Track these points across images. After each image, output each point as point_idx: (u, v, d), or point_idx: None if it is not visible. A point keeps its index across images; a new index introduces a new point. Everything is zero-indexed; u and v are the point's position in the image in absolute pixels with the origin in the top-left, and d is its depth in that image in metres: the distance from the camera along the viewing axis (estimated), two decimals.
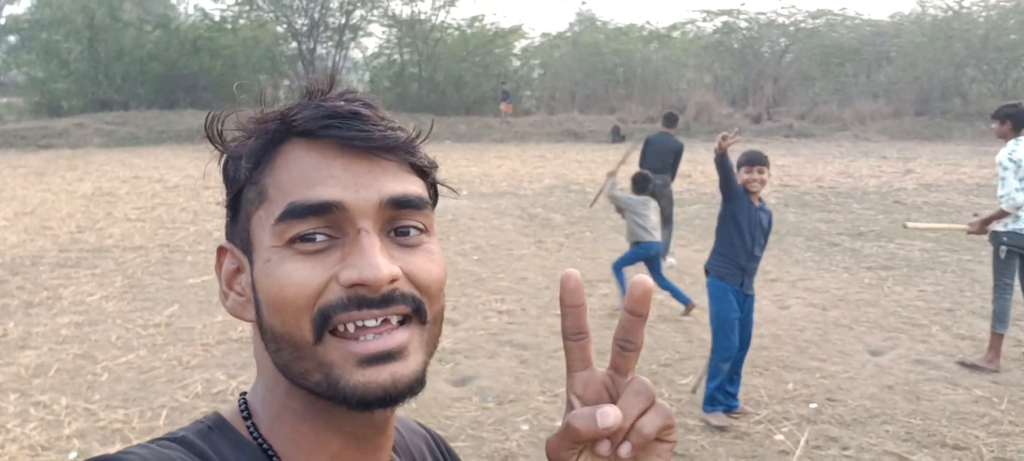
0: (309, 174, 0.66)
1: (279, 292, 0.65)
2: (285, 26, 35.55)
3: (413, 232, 0.70)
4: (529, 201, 14.52)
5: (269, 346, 0.68)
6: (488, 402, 5.13)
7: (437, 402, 5.11)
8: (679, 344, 6.29)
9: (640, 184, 7.97)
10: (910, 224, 6.63)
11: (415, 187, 0.70)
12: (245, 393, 0.75)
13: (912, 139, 31.11)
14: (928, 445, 4.54)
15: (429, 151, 0.75)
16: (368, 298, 0.64)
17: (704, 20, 38.33)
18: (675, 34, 38.64)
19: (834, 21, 37.53)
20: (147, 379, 5.50)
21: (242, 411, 0.73)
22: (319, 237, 0.65)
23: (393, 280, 0.65)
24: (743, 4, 52.58)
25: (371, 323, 0.65)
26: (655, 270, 7.31)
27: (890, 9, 72.42)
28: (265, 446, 0.70)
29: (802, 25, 37.22)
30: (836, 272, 8.95)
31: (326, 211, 0.65)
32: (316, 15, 34.93)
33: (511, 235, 11.16)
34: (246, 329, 6.61)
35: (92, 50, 31.04)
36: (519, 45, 38.86)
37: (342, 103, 0.68)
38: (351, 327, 0.65)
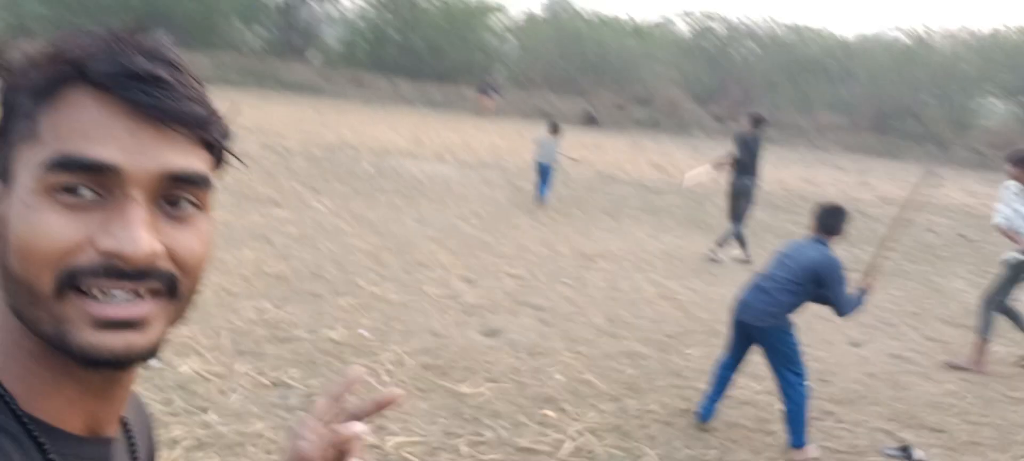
0: (90, 128, 0.63)
1: (29, 240, 0.62)
2: None
3: (185, 205, 0.67)
4: (514, 175, 14.99)
5: (6, 286, 0.65)
6: (520, 353, 5.64)
7: (475, 349, 5.60)
8: (680, 319, 6.87)
9: (551, 128, 12.73)
10: None
11: (199, 164, 0.68)
12: None
13: (867, 154, 32.38)
14: (911, 426, 5.19)
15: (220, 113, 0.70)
16: (122, 270, 0.62)
17: (684, 21, 39.17)
18: (655, 31, 39.39)
19: (806, 35, 38.65)
20: (197, 302, 5.85)
21: None
22: (84, 192, 0.62)
23: (153, 256, 0.63)
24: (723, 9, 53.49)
25: (120, 293, 0.63)
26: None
27: (860, 29, 74.21)
28: None
29: (777, 38, 38.27)
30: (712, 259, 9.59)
31: (99, 171, 0.62)
32: None
33: (504, 206, 11.65)
34: (278, 264, 7.00)
35: None
36: (497, 21, 39.18)
37: (143, 60, 0.64)
38: (97, 291, 0.63)
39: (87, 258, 0.62)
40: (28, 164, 0.63)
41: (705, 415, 4.81)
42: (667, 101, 33.60)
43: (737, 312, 4.82)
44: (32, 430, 0.65)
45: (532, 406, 4.78)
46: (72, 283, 0.62)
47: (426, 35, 35.47)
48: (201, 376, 4.60)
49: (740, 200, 9.77)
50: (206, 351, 4.97)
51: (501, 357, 5.52)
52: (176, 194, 0.66)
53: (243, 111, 20.52)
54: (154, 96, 0.63)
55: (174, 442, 3.87)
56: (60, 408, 0.68)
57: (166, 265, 0.65)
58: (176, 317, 0.69)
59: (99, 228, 0.62)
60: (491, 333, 6.03)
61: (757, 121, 10.04)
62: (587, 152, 20.90)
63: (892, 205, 17.11)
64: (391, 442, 4.12)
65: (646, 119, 32.71)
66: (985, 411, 5.59)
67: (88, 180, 0.62)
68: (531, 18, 40.00)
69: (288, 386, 4.64)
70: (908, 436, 5.02)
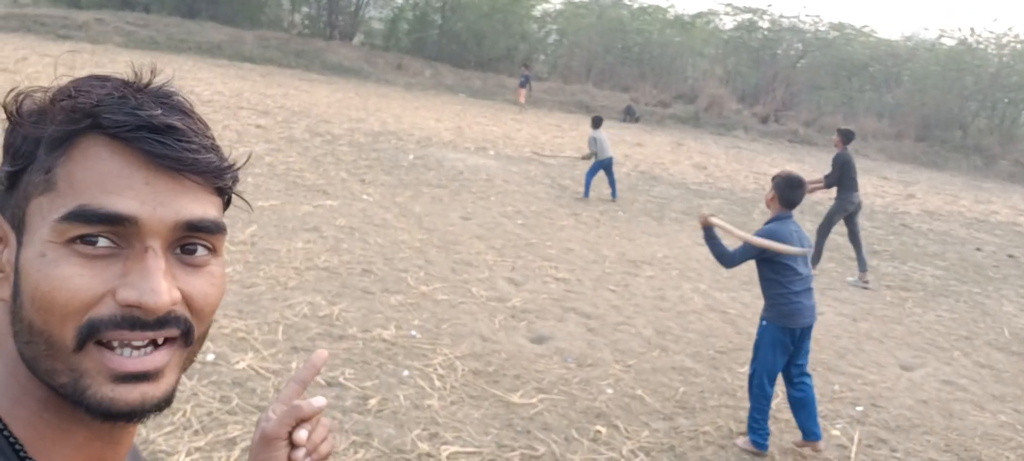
0: (107, 179, 0.63)
1: (49, 293, 0.62)
2: None
3: (201, 251, 0.68)
4: (556, 171, 14.95)
5: (19, 335, 0.64)
6: (569, 363, 5.63)
7: (523, 356, 5.60)
8: (730, 334, 6.80)
9: (597, 123, 12.99)
10: None
11: (214, 210, 0.69)
12: None
13: (910, 163, 31.84)
14: (966, 459, 5.11)
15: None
16: (142, 320, 0.63)
17: (727, 14, 38.73)
18: (698, 22, 39.01)
19: (850, 35, 38.04)
20: (252, 294, 5.92)
21: None
22: (101, 242, 0.63)
23: (172, 305, 0.65)
24: (770, 5, 52.84)
25: (137, 343, 0.64)
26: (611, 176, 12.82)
27: (906, 31, 72.72)
28: (5, 430, 0.65)
29: (821, 34, 37.72)
30: (858, 287, 9.51)
31: (118, 223, 0.63)
32: None
33: (547, 204, 11.61)
34: (329, 258, 7.04)
35: None
36: (539, 9, 39.01)
37: (158, 111, 0.65)
38: (116, 343, 0.64)
39: (107, 310, 0.63)
40: (45, 215, 0.63)
41: (767, 443, 4.71)
42: (710, 99, 33.28)
43: (807, 319, 4.70)
44: None
45: (583, 420, 4.77)
46: (92, 335, 0.63)
47: (468, 20, 35.44)
48: (257, 373, 4.65)
49: (854, 218, 9.94)
50: (262, 347, 5.01)
51: (550, 366, 5.51)
52: (191, 241, 0.67)
53: (290, 93, 20.71)
54: (170, 146, 0.64)
55: (232, 442, 3.91)
56: (68, 455, 0.68)
57: (183, 312, 0.66)
58: (188, 363, 0.71)
59: (118, 279, 0.63)
60: (539, 340, 6.02)
61: (848, 137, 10.05)
62: (628, 149, 20.82)
63: (937, 219, 16.84)
64: (445, 452, 4.12)
65: (688, 116, 32.46)
66: None
67: (106, 231, 0.63)
68: (573, 6, 39.69)
69: (343, 386, 4.66)
70: None
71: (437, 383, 4.91)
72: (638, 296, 7.56)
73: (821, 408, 5.54)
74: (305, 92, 22.05)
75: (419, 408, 4.56)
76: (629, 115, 30.22)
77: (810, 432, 4.78)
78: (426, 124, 19.19)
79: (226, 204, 0.75)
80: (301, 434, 0.84)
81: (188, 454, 3.70)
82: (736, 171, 19.98)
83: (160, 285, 0.63)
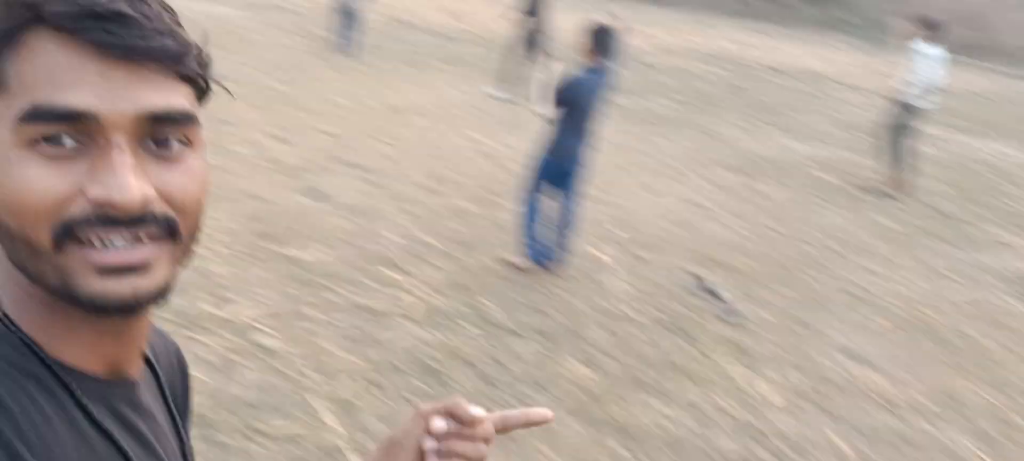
0: (58, 74, 0.60)
1: (19, 196, 0.60)
2: None
3: (175, 145, 0.64)
4: (308, 22, 14.39)
5: (3, 241, 0.64)
6: (351, 215, 5.67)
7: (304, 213, 5.57)
8: (502, 177, 7.12)
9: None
10: None
11: (179, 99, 0.64)
12: None
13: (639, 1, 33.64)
14: (709, 265, 5.84)
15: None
16: (115, 218, 0.60)
17: None
18: None
19: None
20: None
21: None
22: (66, 141, 0.60)
23: (146, 202, 0.61)
24: None
25: (118, 240, 0.62)
26: None
27: None
28: (16, 330, 0.65)
29: None
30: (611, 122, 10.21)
31: (76, 119, 0.59)
32: None
33: (302, 55, 11.31)
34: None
35: None
36: None
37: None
38: (95, 239, 0.61)
39: (80, 208, 0.60)
40: (3, 118, 0.60)
41: (541, 258, 5.17)
42: None
43: (572, 162, 5.20)
44: (59, 373, 0.65)
45: (374, 268, 4.89)
46: (68, 235, 0.60)
47: None
48: None
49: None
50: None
51: (332, 220, 5.54)
52: (162, 134, 0.63)
53: None
54: (119, 35, 0.60)
55: None
56: (79, 352, 0.67)
57: (162, 208, 0.63)
58: (182, 257, 0.67)
59: (87, 177, 0.60)
60: (317, 196, 5.99)
61: None
62: None
63: (674, 55, 18.14)
64: (242, 314, 4.10)
65: None
66: (767, 249, 6.38)
67: (67, 129, 0.59)
68: None
69: None
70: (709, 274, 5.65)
71: (222, 249, 4.79)
72: (408, 144, 7.66)
73: (586, 237, 6.05)
74: None
75: (205, 276, 4.44)
76: None
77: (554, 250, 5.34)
78: None
79: (203, 93, 0.69)
80: (438, 423, 0.82)
81: None
82: (491, 17, 20.20)
83: (127, 180, 0.59)
